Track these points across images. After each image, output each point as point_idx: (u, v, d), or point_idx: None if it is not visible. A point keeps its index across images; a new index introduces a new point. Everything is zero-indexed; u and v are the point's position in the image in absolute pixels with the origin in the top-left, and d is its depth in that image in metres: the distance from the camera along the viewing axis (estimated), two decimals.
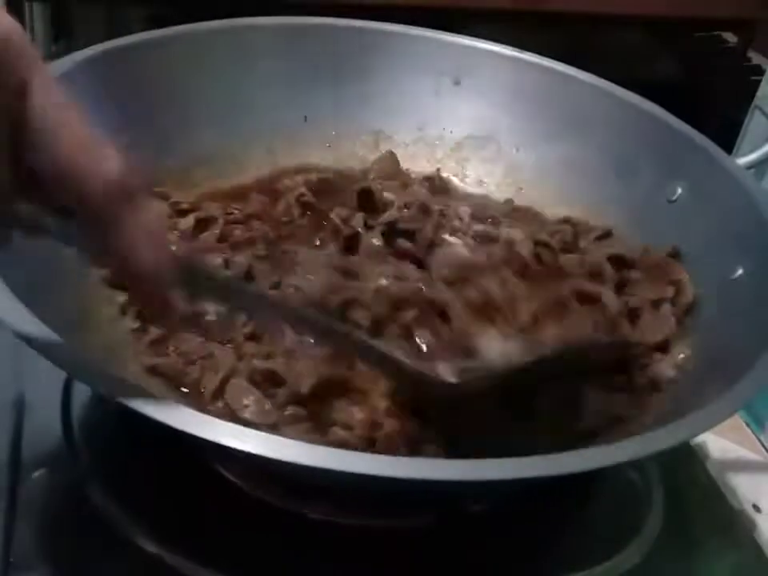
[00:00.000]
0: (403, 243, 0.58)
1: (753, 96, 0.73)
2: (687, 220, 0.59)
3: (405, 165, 0.71)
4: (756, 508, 0.56)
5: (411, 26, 0.70)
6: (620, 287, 0.57)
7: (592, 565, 0.47)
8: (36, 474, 0.48)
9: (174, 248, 0.47)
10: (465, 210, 0.63)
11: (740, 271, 0.52)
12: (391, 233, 0.59)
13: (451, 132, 0.71)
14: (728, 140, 0.71)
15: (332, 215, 0.61)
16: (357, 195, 0.63)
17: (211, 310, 0.51)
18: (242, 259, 0.55)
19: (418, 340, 0.49)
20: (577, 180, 0.66)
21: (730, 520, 0.54)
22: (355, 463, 0.34)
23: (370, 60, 0.69)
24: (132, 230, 0.31)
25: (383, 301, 0.51)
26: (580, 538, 0.50)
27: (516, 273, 0.53)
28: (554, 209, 0.67)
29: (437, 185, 0.69)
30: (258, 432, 0.35)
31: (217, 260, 0.55)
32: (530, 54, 0.69)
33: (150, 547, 0.44)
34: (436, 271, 0.55)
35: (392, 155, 0.70)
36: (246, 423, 0.45)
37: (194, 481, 0.48)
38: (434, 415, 0.47)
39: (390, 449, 0.45)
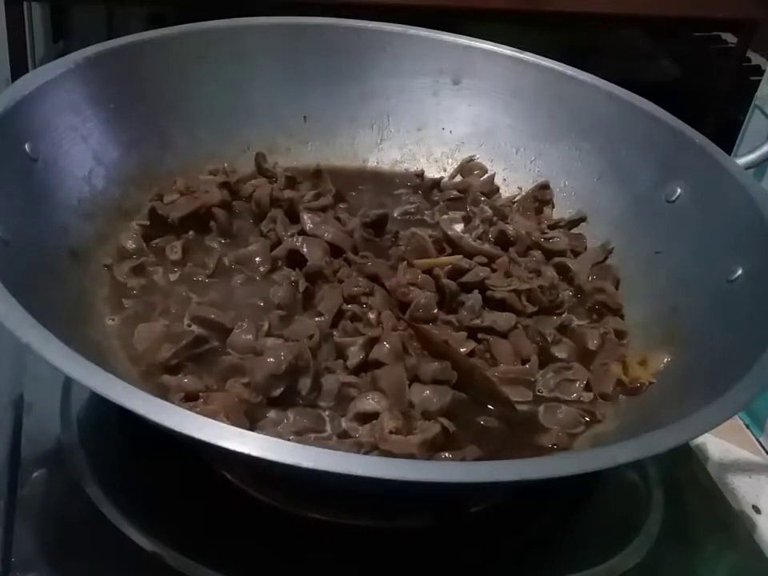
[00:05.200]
0: None
1: (752, 96, 0.72)
2: (686, 220, 0.59)
3: (404, 165, 0.71)
4: (755, 509, 0.56)
5: (410, 26, 0.70)
6: None
7: (592, 565, 0.47)
8: (35, 473, 0.48)
9: None
10: None
11: (740, 271, 0.52)
12: None
13: (450, 132, 0.71)
14: (728, 140, 0.71)
15: None
16: None
17: None
18: None
19: None
20: (576, 180, 0.66)
21: (730, 521, 0.54)
22: (353, 465, 0.34)
23: (370, 60, 0.69)
24: None
25: None
26: (580, 538, 0.50)
27: None
28: (553, 209, 0.67)
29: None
30: (256, 434, 0.35)
31: None
32: (529, 54, 0.69)
33: (149, 546, 0.44)
34: None
35: None
36: None
37: (193, 480, 0.48)
38: None
39: None
